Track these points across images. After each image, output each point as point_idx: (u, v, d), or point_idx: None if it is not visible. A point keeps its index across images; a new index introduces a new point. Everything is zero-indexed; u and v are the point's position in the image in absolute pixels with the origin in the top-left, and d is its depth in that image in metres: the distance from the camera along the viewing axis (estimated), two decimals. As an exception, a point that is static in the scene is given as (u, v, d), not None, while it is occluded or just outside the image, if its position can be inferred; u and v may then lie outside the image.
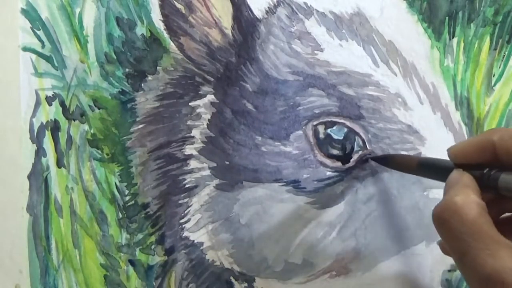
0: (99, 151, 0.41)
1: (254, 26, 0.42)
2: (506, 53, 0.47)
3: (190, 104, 0.42)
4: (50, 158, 0.41)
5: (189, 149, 0.42)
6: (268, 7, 0.43)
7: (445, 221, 0.30)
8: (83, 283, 0.41)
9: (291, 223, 0.43)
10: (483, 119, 0.46)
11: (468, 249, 0.29)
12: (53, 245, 0.41)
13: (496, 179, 0.31)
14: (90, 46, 0.41)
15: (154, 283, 0.42)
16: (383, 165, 0.43)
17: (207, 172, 0.42)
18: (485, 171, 0.31)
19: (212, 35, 0.42)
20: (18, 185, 0.41)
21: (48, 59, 0.41)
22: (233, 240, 0.43)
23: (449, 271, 0.46)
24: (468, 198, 0.30)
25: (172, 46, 0.42)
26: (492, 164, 0.31)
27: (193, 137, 0.42)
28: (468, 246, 0.29)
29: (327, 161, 0.42)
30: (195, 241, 0.42)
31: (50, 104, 0.41)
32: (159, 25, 0.42)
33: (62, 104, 0.41)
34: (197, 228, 0.42)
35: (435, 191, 0.44)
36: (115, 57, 0.41)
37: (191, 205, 0.42)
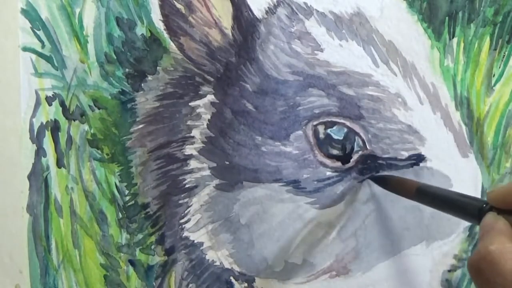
0: (99, 151, 0.41)
1: (254, 26, 0.42)
2: (506, 53, 0.47)
3: (190, 104, 0.42)
4: (50, 158, 0.41)
5: (189, 149, 0.42)
6: (268, 7, 0.43)
7: (480, 271, 0.29)
8: (83, 283, 0.41)
9: (291, 223, 0.43)
10: (483, 119, 0.46)
11: None
12: (53, 245, 0.41)
13: None
14: (90, 46, 0.41)
15: (154, 283, 0.42)
16: (381, 187, 0.42)
17: (207, 172, 0.42)
18: None
19: (212, 35, 0.42)
20: (18, 185, 0.41)
21: (48, 59, 0.41)
22: (233, 240, 0.43)
23: (449, 271, 0.46)
24: (504, 248, 0.29)
25: (172, 46, 0.42)
26: None
27: (193, 137, 0.42)
28: None
29: (327, 161, 0.42)
30: (195, 241, 0.42)
31: (50, 104, 0.41)
32: (159, 25, 0.42)
33: (62, 104, 0.41)
34: (197, 228, 0.42)
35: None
36: (115, 57, 0.41)
37: (191, 205, 0.42)
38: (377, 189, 0.43)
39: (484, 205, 0.32)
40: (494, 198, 0.33)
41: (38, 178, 0.41)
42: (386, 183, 0.42)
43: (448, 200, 0.34)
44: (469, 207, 0.33)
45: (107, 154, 0.42)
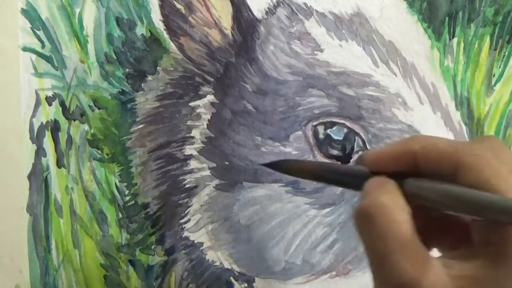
0: (99, 151, 0.41)
1: (253, 26, 0.42)
2: (506, 53, 0.47)
3: (190, 104, 0.42)
4: (50, 158, 0.41)
5: (189, 149, 0.42)
6: (268, 8, 0.43)
7: (369, 217, 0.28)
8: (83, 283, 0.41)
9: (291, 223, 0.43)
10: (483, 119, 0.46)
11: (387, 253, 0.28)
12: (53, 245, 0.41)
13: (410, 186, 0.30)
14: (90, 46, 0.41)
15: (154, 283, 0.42)
16: (278, 171, 0.41)
17: (207, 172, 0.42)
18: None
19: (212, 36, 0.42)
20: (18, 185, 0.41)
21: (48, 59, 0.41)
22: (233, 240, 0.43)
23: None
24: (397, 201, 0.29)
25: (172, 46, 0.42)
26: (409, 174, 0.30)
27: (193, 137, 0.42)
28: (389, 250, 0.28)
29: (327, 162, 0.42)
30: (195, 241, 0.42)
31: (50, 104, 0.41)
32: (159, 25, 0.42)
33: (62, 104, 0.41)
34: (197, 228, 0.42)
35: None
36: (115, 57, 0.41)
37: (191, 205, 0.42)
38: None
39: (370, 172, 0.32)
40: (372, 162, 0.32)
41: (38, 178, 0.41)
42: (282, 168, 0.40)
43: (340, 173, 0.34)
44: (359, 177, 0.32)
45: (107, 154, 0.42)
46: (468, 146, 0.29)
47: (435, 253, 0.30)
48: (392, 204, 0.29)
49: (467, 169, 0.28)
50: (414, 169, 0.30)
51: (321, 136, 0.42)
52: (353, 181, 0.33)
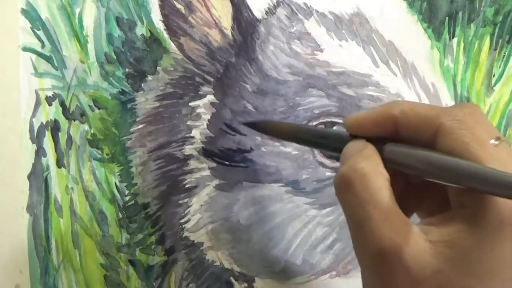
0: (99, 151, 0.41)
1: (253, 26, 0.42)
2: (506, 53, 0.47)
3: (190, 104, 0.42)
4: (50, 158, 0.41)
5: (189, 149, 0.42)
6: (268, 8, 0.43)
7: (349, 184, 0.29)
8: (83, 283, 0.41)
9: (291, 223, 0.43)
10: (483, 119, 0.46)
11: (367, 219, 0.28)
12: (53, 245, 0.41)
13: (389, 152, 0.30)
14: (90, 46, 0.41)
15: (154, 283, 0.42)
16: (260, 132, 0.41)
17: (207, 172, 0.42)
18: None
19: (212, 36, 0.42)
20: (18, 185, 0.41)
21: (48, 59, 0.41)
22: (233, 240, 0.43)
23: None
24: (376, 167, 0.29)
25: (172, 46, 0.42)
26: (389, 139, 0.30)
27: (193, 137, 0.42)
28: (369, 216, 0.28)
29: (327, 162, 0.42)
30: (195, 241, 0.42)
31: (50, 104, 0.41)
32: (159, 25, 0.42)
33: (62, 104, 0.41)
34: (197, 228, 0.42)
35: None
36: (115, 57, 0.41)
37: (191, 205, 0.42)
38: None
39: (349, 136, 0.32)
40: (352, 126, 0.32)
41: (38, 178, 0.41)
42: (263, 128, 0.40)
43: (319, 136, 0.34)
44: (339, 140, 0.33)
45: (107, 154, 0.42)
46: (449, 110, 0.29)
47: (414, 219, 0.30)
48: (371, 170, 0.29)
49: (447, 133, 0.28)
50: (394, 134, 0.30)
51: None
52: (332, 143, 0.33)
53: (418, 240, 0.28)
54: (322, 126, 0.42)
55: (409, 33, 0.45)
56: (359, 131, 0.32)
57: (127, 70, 0.41)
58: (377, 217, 0.28)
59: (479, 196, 0.27)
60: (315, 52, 0.43)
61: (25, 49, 0.41)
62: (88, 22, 0.41)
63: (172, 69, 0.42)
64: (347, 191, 0.29)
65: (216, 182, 0.42)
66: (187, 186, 0.42)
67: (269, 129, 0.39)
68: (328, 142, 0.34)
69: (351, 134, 0.32)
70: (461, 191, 0.28)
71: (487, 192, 0.27)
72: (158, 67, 0.42)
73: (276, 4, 0.43)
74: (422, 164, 0.29)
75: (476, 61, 0.46)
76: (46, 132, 0.41)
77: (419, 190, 0.33)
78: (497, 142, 0.28)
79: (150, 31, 0.41)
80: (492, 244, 0.27)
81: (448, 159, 0.28)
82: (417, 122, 0.30)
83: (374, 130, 0.31)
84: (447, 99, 0.45)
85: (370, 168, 0.29)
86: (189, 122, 0.42)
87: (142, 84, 0.42)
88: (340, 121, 0.42)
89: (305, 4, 0.43)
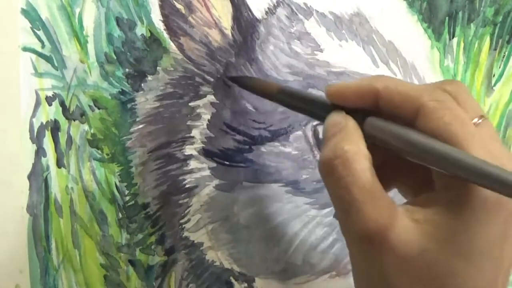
0: (99, 151, 0.41)
1: (253, 26, 0.42)
2: (506, 53, 0.47)
3: (190, 104, 0.42)
4: (50, 158, 0.41)
5: (189, 149, 0.42)
6: (268, 8, 0.43)
7: (334, 169, 0.29)
8: (83, 283, 0.41)
9: (291, 223, 0.43)
10: (483, 119, 0.46)
11: (353, 202, 0.28)
12: (53, 245, 0.41)
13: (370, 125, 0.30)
14: (90, 46, 0.41)
15: (154, 283, 0.42)
16: (243, 88, 0.41)
17: (207, 173, 0.42)
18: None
19: (212, 36, 0.42)
20: (18, 185, 0.41)
21: (48, 59, 0.41)
22: (233, 240, 0.43)
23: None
24: (359, 149, 0.29)
25: (172, 46, 0.42)
26: (369, 112, 0.30)
27: (193, 137, 0.42)
28: (354, 199, 0.28)
29: (327, 162, 0.42)
30: (195, 241, 0.42)
31: (50, 104, 0.41)
32: (159, 25, 0.42)
33: (62, 104, 0.41)
34: (197, 228, 0.42)
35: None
36: (115, 57, 0.41)
37: (191, 205, 0.42)
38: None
39: (331, 105, 0.32)
40: (334, 95, 0.32)
41: (38, 178, 0.41)
42: (247, 84, 0.40)
43: (303, 100, 0.34)
44: (319, 106, 0.33)
45: (107, 154, 0.42)
46: (431, 90, 0.29)
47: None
48: (354, 153, 0.29)
49: (428, 113, 0.28)
50: (375, 108, 0.30)
51: (321, 136, 0.42)
52: (314, 110, 0.33)
53: (403, 220, 0.28)
54: (322, 126, 0.42)
55: (409, 33, 0.45)
56: (340, 101, 0.32)
57: (127, 70, 0.41)
58: (361, 199, 0.28)
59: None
60: (315, 52, 0.43)
61: (25, 49, 0.41)
62: (88, 22, 0.41)
63: (172, 69, 0.42)
64: (331, 176, 0.29)
65: (216, 182, 0.42)
66: (187, 186, 0.42)
67: (253, 86, 0.39)
68: (309, 108, 0.34)
69: (332, 103, 0.32)
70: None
71: (467, 180, 0.27)
72: (158, 67, 0.42)
73: (276, 4, 0.43)
74: (402, 144, 0.29)
75: (476, 61, 0.46)
76: (46, 132, 0.41)
77: (400, 164, 0.33)
78: (480, 121, 0.28)
79: (150, 31, 0.41)
80: (478, 224, 0.27)
81: (431, 141, 0.28)
82: (399, 100, 0.30)
83: (355, 101, 0.31)
84: (447, 99, 0.45)
85: (353, 151, 0.29)
86: (189, 122, 0.42)
87: (142, 84, 0.42)
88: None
89: (305, 4, 0.43)
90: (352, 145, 0.29)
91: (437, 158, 0.27)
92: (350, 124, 0.30)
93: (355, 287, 0.32)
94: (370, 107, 0.31)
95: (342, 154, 0.29)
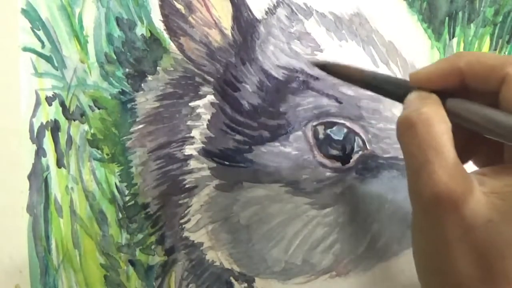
0: (99, 151, 0.41)
1: (253, 26, 0.42)
2: (506, 53, 0.47)
3: (190, 104, 0.42)
4: (50, 158, 0.41)
5: (189, 149, 0.42)
6: (268, 8, 0.43)
7: (412, 126, 0.29)
8: (83, 283, 0.41)
9: (291, 223, 0.43)
10: (483, 119, 0.46)
11: (426, 162, 0.28)
12: (53, 245, 0.41)
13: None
14: (90, 46, 0.41)
15: (154, 283, 0.42)
16: (326, 72, 0.40)
17: (207, 173, 0.42)
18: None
19: (212, 36, 0.42)
20: (18, 185, 0.41)
21: (48, 59, 0.41)
22: (233, 240, 0.43)
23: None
24: (439, 113, 0.29)
25: (172, 46, 0.42)
26: (456, 91, 0.31)
27: (193, 137, 0.42)
28: (428, 159, 0.28)
29: (327, 162, 0.42)
30: (195, 241, 0.42)
31: (50, 104, 0.41)
32: (159, 25, 0.42)
33: (62, 104, 0.41)
34: (197, 228, 0.42)
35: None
36: (115, 57, 0.41)
37: (191, 205, 0.42)
38: (377, 189, 0.43)
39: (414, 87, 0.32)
40: (418, 79, 0.32)
41: (38, 178, 0.41)
42: (331, 70, 0.40)
43: (387, 83, 0.34)
44: (403, 88, 0.33)
45: (107, 154, 0.42)
46: None
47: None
48: (434, 115, 0.29)
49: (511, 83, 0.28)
50: (461, 87, 0.30)
51: (321, 136, 0.42)
52: (396, 91, 0.33)
53: (474, 190, 0.28)
54: (322, 126, 0.42)
55: (409, 33, 0.45)
56: (425, 85, 0.32)
57: (127, 70, 0.41)
58: (437, 161, 0.28)
59: None
60: (315, 52, 0.43)
61: (25, 49, 0.41)
62: (88, 22, 0.41)
63: (172, 69, 0.42)
64: (409, 133, 0.29)
65: (216, 182, 0.42)
66: (187, 186, 0.42)
67: (336, 71, 0.39)
68: (392, 88, 0.34)
69: (419, 87, 0.32)
70: None
71: None
72: (158, 67, 0.42)
73: (276, 4, 0.43)
74: (483, 122, 0.29)
75: (476, 61, 0.46)
76: (46, 132, 0.41)
77: (477, 139, 0.33)
78: None
79: (150, 31, 0.41)
80: None
81: (510, 119, 0.28)
82: (483, 73, 0.30)
83: (440, 83, 0.31)
84: (447, 99, 0.45)
85: (433, 113, 0.29)
86: (189, 122, 0.42)
87: (142, 84, 0.42)
88: (340, 121, 0.42)
89: (305, 4, 0.43)
90: (433, 107, 0.29)
91: None
92: (432, 96, 0.31)
93: (413, 251, 0.32)
94: (454, 87, 0.31)
95: (423, 114, 0.29)
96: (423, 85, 0.32)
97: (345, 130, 0.42)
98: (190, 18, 0.42)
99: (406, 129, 0.30)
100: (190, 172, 0.42)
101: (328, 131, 0.42)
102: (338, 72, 0.39)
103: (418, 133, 0.29)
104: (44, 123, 0.41)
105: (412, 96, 0.32)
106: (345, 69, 0.38)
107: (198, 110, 0.42)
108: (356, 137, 0.43)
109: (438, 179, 0.28)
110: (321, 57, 0.43)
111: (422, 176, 0.28)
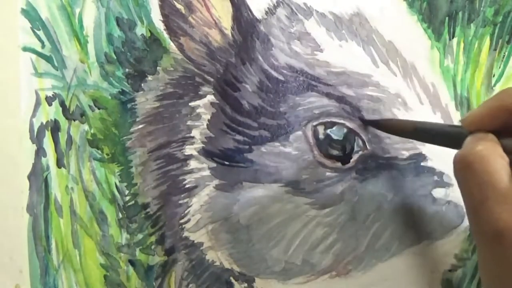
0: (99, 151, 0.41)
1: (253, 26, 0.42)
2: (506, 53, 0.47)
3: (190, 104, 0.42)
4: (50, 158, 0.41)
5: (189, 149, 0.42)
6: (268, 8, 0.43)
7: (468, 165, 0.29)
8: (83, 283, 0.41)
9: (291, 223, 0.43)
10: (483, 119, 0.46)
11: (485, 200, 0.28)
12: (53, 245, 0.41)
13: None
14: (90, 46, 0.41)
15: (154, 283, 0.42)
16: (377, 129, 0.42)
17: (207, 173, 0.42)
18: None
19: (212, 36, 0.42)
20: (18, 185, 0.41)
21: (48, 59, 0.41)
22: (233, 240, 0.43)
23: (449, 270, 0.46)
24: (495, 150, 0.29)
25: (172, 46, 0.42)
26: (507, 129, 0.31)
27: (193, 137, 0.42)
28: (486, 197, 0.28)
29: (327, 162, 0.42)
30: (195, 241, 0.42)
31: (50, 104, 0.41)
32: (159, 25, 0.42)
33: (62, 104, 0.41)
34: (197, 228, 0.42)
35: (437, 190, 0.44)
36: (115, 57, 0.41)
37: (191, 205, 0.42)
38: (377, 189, 0.43)
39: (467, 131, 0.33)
40: (470, 123, 0.32)
41: (38, 178, 0.41)
42: (383, 126, 0.42)
43: (438, 133, 0.35)
44: (456, 136, 0.34)
45: (107, 154, 0.42)
46: None
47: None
48: (490, 152, 0.29)
49: None
50: (510, 124, 0.31)
51: (321, 136, 0.42)
52: (451, 140, 0.34)
53: None
54: (323, 126, 0.42)
55: (409, 33, 0.45)
56: (478, 127, 0.32)
57: (127, 70, 0.41)
58: (495, 198, 0.28)
59: None
60: (315, 52, 0.43)
61: (25, 49, 0.41)
62: (88, 22, 0.41)
63: (172, 69, 0.42)
64: (466, 172, 0.30)
65: (216, 182, 0.42)
66: (187, 186, 0.42)
67: (389, 127, 0.40)
68: (446, 139, 0.35)
69: (471, 131, 0.33)
70: None
71: None
72: (158, 67, 0.42)
73: (276, 4, 0.43)
74: None
75: (476, 61, 0.46)
76: (46, 132, 0.41)
77: None
78: None
79: (150, 31, 0.41)
80: None
81: None
82: None
83: (492, 123, 0.32)
84: (447, 99, 0.45)
85: (490, 150, 0.29)
86: (189, 122, 0.42)
87: (142, 84, 0.42)
88: (340, 121, 0.42)
89: (305, 4, 0.43)
90: (489, 144, 0.30)
91: None
92: (488, 135, 0.31)
93: (482, 283, 0.32)
94: (505, 125, 0.31)
95: (479, 152, 0.29)
96: (477, 127, 0.32)
97: (345, 130, 0.42)
98: (190, 18, 0.42)
99: (463, 168, 0.30)
100: (190, 172, 0.42)
101: (328, 131, 0.42)
102: (391, 128, 0.40)
103: (475, 172, 0.29)
104: (44, 123, 0.41)
105: (469, 138, 0.32)
106: (397, 125, 0.40)
107: (198, 110, 0.42)
108: (356, 137, 0.43)
109: (498, 216, 0.28)
110: (321, 57, 0.43)
111: (482, 214, 0.29)
